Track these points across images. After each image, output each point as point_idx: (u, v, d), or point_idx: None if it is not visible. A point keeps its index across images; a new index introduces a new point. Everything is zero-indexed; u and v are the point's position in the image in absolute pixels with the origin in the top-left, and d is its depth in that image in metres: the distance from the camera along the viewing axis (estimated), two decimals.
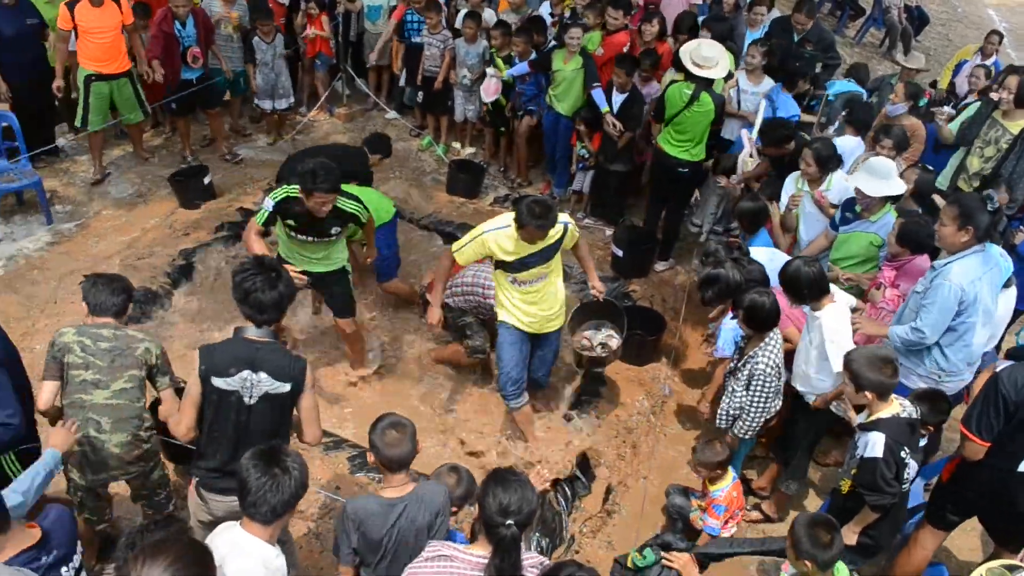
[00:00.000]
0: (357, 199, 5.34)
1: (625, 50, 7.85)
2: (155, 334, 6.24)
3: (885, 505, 3.98)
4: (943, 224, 4.63)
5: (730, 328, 5.29)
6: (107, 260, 6.92)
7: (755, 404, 4.73)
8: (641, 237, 7.62)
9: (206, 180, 8.00)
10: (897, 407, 3.95)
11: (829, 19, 14.81)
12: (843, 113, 7.11)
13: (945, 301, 4.56)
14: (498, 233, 4.98)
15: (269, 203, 5.12)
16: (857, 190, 5.42)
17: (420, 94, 9.31)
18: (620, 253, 7.42)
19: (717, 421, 4.99)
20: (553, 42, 8.01)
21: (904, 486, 4.01)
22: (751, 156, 6.90)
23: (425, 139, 9.66)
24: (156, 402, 4.22)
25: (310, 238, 5.30)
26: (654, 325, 6.48)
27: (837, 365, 4.45)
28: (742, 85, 7.37)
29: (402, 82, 9.69)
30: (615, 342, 5.83)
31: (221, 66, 8.50)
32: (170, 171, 8.21)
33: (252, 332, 3.74)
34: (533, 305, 5.22)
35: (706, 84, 6.80)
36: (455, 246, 5.16)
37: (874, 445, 3.84)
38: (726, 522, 4.70)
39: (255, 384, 3.66)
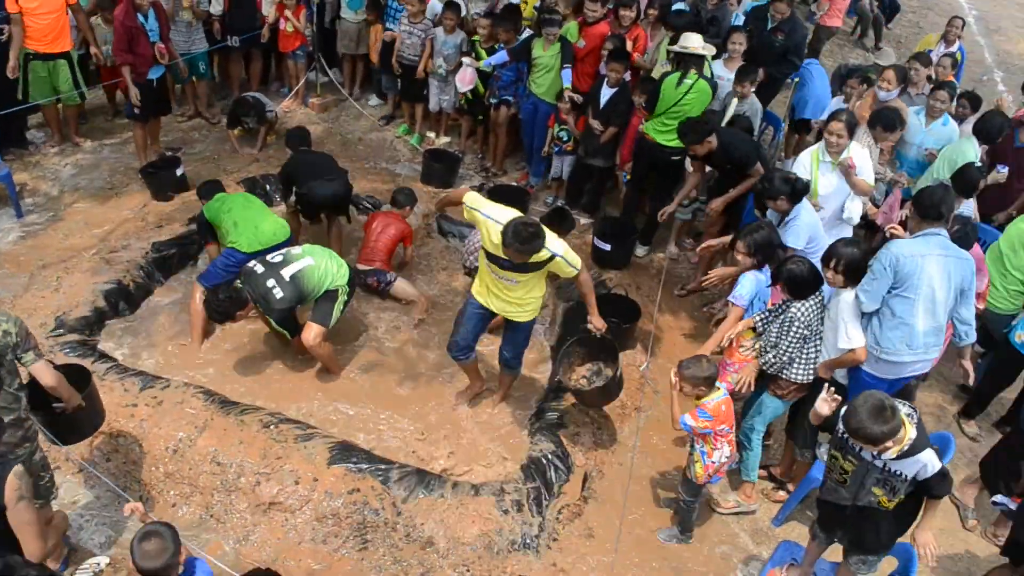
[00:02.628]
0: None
1: (607, 43, 7.85)
2: (138, 329, 6.28)
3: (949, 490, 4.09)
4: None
5: (752, 279, 5.33)
6: (79, 254, 6.85)
7: (805, 347, 4.98)
8: (624, 229, 7.64)
9: (178, 172, 7.92)
10: (912, 424, 3.89)
11: (801, 7, 14.87)
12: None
13: (880, 266, 4.87)
14: (490, 223, 5.01)
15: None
16: None
17: (398, 82, 9.30)
18: (607, 247, 7.42)
19: (767, 367, 5.11)
20: (528, 30, 8.05)
21: None
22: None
23: (401, 127, 9.65)
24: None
25: None
26: (629, 313, 6.50)
27: (843, 342, 4.84)
28: (718, 72, 7.42)
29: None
30: (600, 380, 5.77)
31: (177, 61, 8.47)
32: (141, 163, 8.13)
33: None
34: (499, 293, 5.29)
35: (699, 68, 6.97)
36: (469, 199, 5.20)
37: (933, 464, 3.86)
38: (715, 437, 4.79)
39: None
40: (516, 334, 5.59)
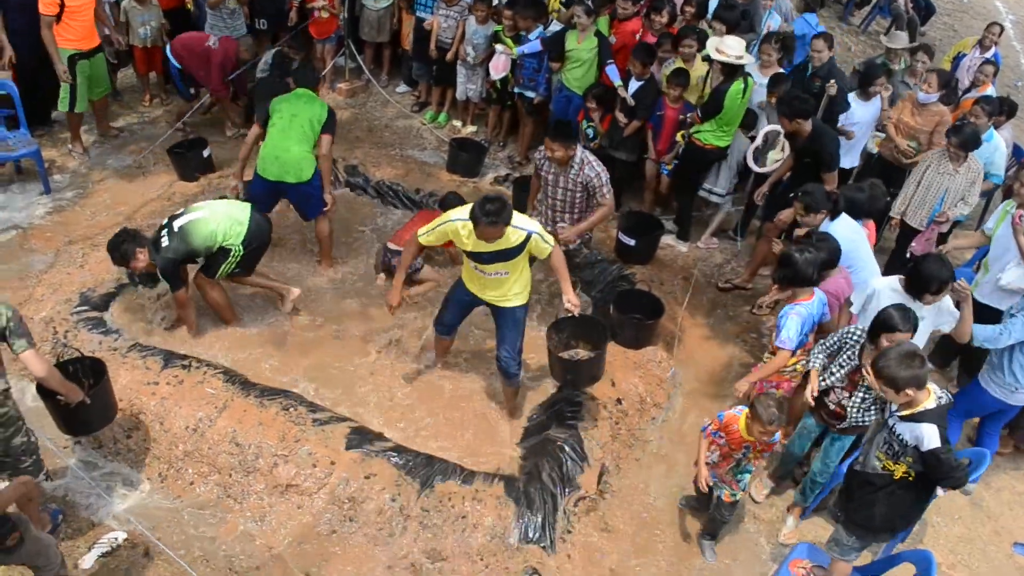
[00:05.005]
0: None
1: (637, 38, 7.84)
2: (162, 305, 6.30)
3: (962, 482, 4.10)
4: None
5: (796, 320, 4.98)
6: (105, 231, 6.88)
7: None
8: (649, 224, 7.60)
9: (205, 153, 7.96)
10: (935, 396, 4.02)
11: (835, 6, 14.74)
12: None
13: None
14: (462, 224, 4.99)
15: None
16: None
17: (432, 69, 9.32)
18: (632, 242, 7.38)
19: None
20: (554, 21, 8.04)
21: None
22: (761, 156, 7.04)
23: (428, 113, 9.66)
24: None
25: None
26: (652, 309, 6.46)
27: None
28: (754, 76, 7.36)
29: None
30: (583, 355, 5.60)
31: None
32: (169, 143, 8.17)
33: None
34: (487, 288, 5.30)
35: (745, 72, 7.04)
36: (422, 231, 5.19)
37: (930, 438, 3.91)
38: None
39: None
40: (508, 328, 5.41)
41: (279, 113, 6.42)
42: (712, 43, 7.10)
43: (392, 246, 6.74)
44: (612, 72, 7.64)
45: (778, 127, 7.04)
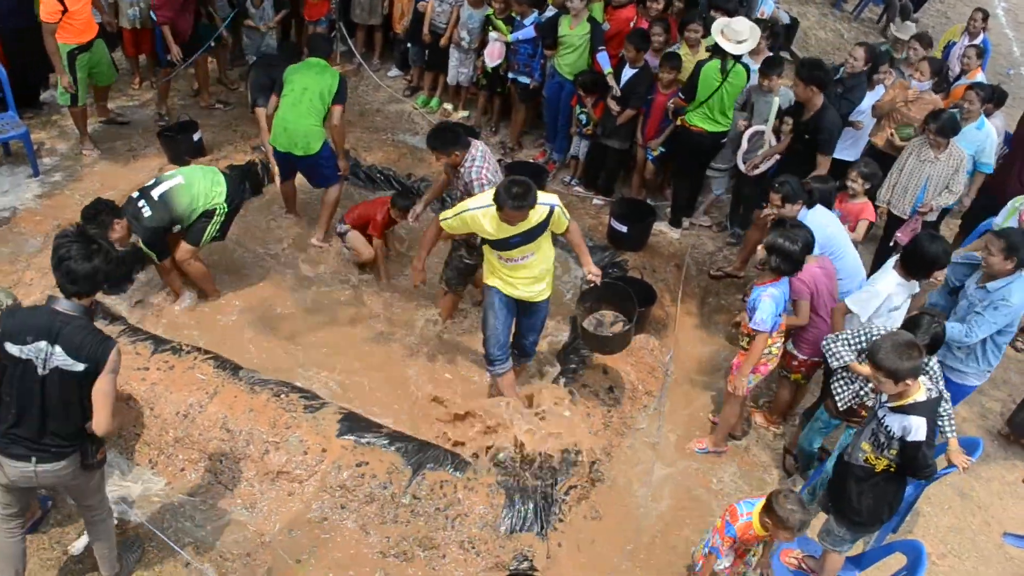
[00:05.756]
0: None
1: (632, 25, 7.81)
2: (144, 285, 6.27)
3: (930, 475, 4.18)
4: (990, 253, 5.12)
5: (769, 301, 4.99)
6: None
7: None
8: (641, 210, 7.59)
9: (196, 136, 7.90)
10: (925, 388, 4.03)
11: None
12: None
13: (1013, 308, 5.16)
14: (480, 212, 4.95)
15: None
16: None
17: (426, 52, 9.27)
18: (624, 229, 7.36)
19: (842, 405, 5.02)
20: (550, 7, 7.99)
21: None
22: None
23: (420, 98, 9.63)
24: None
25: None
26: (644, 296, 6.45)
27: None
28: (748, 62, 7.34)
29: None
30: (620, 327, 5.76)
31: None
32: (159, 126, 8.12)
33: (61, 304, 3.64)
34: (519, 278, 5.22)
35: (736, 56, 7.03)
36: (443, 215, 5.16)
37: (917, 430, 3.95)
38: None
39: (50, 356, 3.59)
40: (534, 318, 5.53)
41: (291, 84, 6.56)
42: (719, 24, 7.06)
43: (341, 227, 6.83)
44: (603, 59, 7.61)
45: (762, 127, 7.07)
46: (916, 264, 5.03)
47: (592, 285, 5.39)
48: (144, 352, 5.51)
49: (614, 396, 5.87)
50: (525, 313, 5.48)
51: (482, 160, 5.55)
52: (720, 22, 7.08)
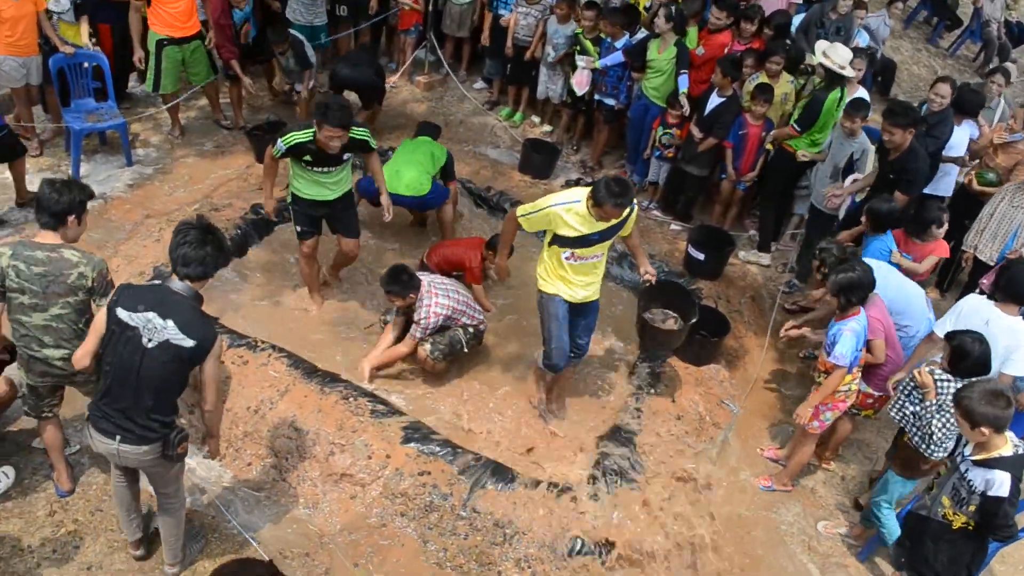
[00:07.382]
0: (365, 127, 5.85)
1: (726, 51, 7.76)
2: (225, 284, 6.40)
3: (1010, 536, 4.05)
4: None
5: (851, 336, 4.87)
6: (183, 207, 7.04)
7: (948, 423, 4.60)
8: (719, 239, 7.50)
9: None
10: (1012, 444, 3.91)
11: (924, 27, 14.40)
12: None
13: None
14: (567, 208, 4.96)
15: (281, 145, 5.52)
16: None
17: (508, 67, 9.31)
18: (702, 257, 7.28)
19: (933, 455, 4.73)
20: (643, 30, 7.98)
21: None
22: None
23: (504, 110, 9.68)
24: None
25: (327, 168, 5.66)
26: (718, 326, 6.38)
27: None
28: None
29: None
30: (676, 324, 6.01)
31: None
32: (250, 124, 8.31)
33: (175, 284, 3.81)
34: (582, 277, 5.25)
35: (841, 81, 7.03)
36: (521, 210, 5.19)
37: (1001, 485, 3.84)
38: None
39: (159, 329, 3.71)
40: (590, 318, 5.58)
41: (400, 148, 7.18)
42: (820, 47, 7.08)
43: (425, 266, 6.51)
44: (682, 80, 7.65)
45: (858, 176, 6.88)
46: (1009, 289, 4.84)
47: (648, 284, 5.54)
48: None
49: (680, 427, 5.78)
50: (581, 314, 5.48)
51: (429, 299, 5.67)
52: (822, 44, 7.08)
